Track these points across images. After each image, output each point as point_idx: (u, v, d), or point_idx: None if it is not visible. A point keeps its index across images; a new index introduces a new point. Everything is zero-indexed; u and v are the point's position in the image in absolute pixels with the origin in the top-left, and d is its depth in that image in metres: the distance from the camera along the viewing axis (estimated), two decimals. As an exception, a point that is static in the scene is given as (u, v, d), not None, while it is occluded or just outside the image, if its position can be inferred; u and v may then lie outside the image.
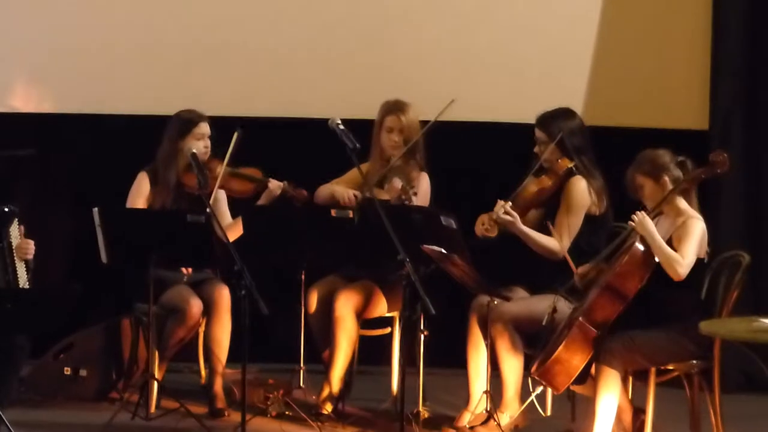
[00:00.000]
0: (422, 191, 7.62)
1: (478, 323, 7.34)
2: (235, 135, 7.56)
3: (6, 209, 6.87)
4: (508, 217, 7.26)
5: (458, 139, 8.34)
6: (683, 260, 6.66)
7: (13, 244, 6.87)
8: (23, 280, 6.83)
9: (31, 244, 6.91)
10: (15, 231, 6.91)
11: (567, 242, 7.34)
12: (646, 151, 6.91)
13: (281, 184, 7.68)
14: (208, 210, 7.16)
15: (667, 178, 6.82)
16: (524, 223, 7.34)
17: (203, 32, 8.62)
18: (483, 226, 7.33)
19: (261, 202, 7.68)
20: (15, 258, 6.86)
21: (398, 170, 7.68)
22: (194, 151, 7.60)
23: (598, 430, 6.75)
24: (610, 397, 6.75)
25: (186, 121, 7.76)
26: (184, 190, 7.71)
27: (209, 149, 7.72)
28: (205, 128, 7.74)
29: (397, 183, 7.57)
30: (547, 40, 8.63)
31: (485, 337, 7.30)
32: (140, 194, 7.73)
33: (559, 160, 7.43)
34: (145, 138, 7.84)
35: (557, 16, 8.67)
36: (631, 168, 6.89)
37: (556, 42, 8.66)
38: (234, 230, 7.51)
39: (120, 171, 7.83)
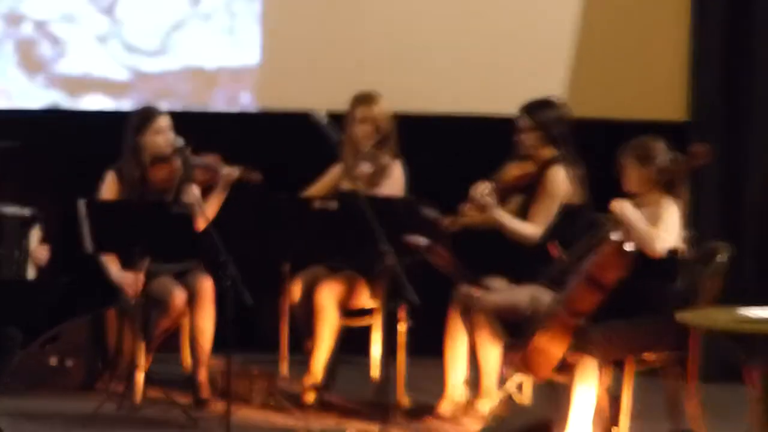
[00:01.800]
0: (395, 179, 7.67)
1: (460, 313, 7.35)
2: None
3: (27, 214, 6.94)
4: (487, 200, 7.28)
5: (440, 131, 8.41)
6: (660, 236, 6.69)
7: (30, 247, 6.94)
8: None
9: (46, 251, 6.99)
10: (34, 236, 6.98)
11: (542, 229, 7.36)
12: (646, 137, 6.93)
13: (235, 169, 7.63)
14: (194, 201, 7.19)
15: (651, 170, 6.84)
16: (502, 209, 7.36)
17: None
18: (468, 209, 7.35)
19: (220, 188, 7.62)
20: (28, 262, 6.93)
21: (368, 157, 7.69)
22: (182, 142, 7.56)
23: (575, 418, 6.76)
24: (588, 385, 6.74)
25: (143, 117, 7.74)
26: (149, 184, 7.69)
27: (170, 142, 7.65)
28: (163, 122, 7.70)
29: (366, 168, 7.64)
30: (528, 34, 8.65)
31: (466, 327, 7.31)
32: (109, 191, 7.70)
33: (541, 149, 7.46)
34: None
35: (538, 10, 8.69)
36: (623, 148, 6.91)
37: (538, 35, 8.67)
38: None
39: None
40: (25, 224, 6.97)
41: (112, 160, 7.73)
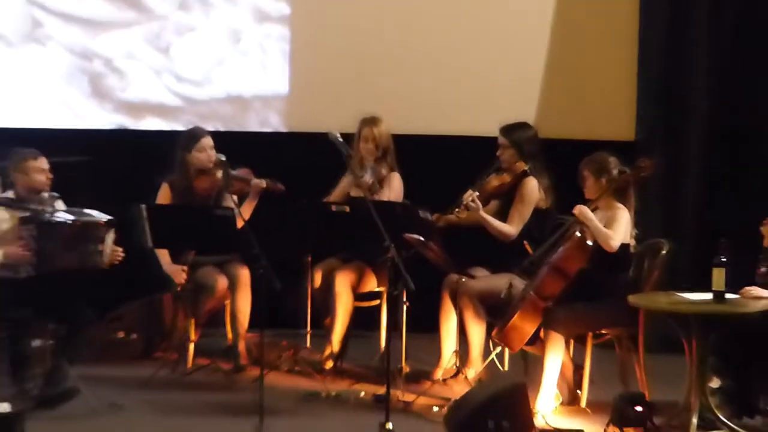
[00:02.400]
0: (394, 187, 7.65)
1: (450, 297, 7.38)
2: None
3: (106, 219, 6.91)
4: (473, 204, 7.30)
5: (431, 147, 8.39)
6: (614, 236, 6.74)
7: (107, 248, 6.91)
8: None
9: (119, 252, 6.97)
10: (110, 238, 6.94)
11: (518, 228, 7.37)
12: (601, 153, 6.95)
13: (263, 180, 7.60)
14: (233, 206, 7.12)
15: (605, 180, 6.88)
16: (485, 212, 7.39)
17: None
18: (459, 211, 7.36)
19: (251, 196, 7.59)
20: (104, 258, 6.90)
21: (370, 169, 7.68)
22: (223, 157, 7.53)
23: (545, 383, 6.79)
24: (555, 356, 6.80)
25: (190, 137, 7.72)
26: (195, 193, 7.65)
27: (212, 159, 7.61)
28: (206, 141, 7.66)
29: (368, 178, 7.63)
30: (505, 70, 8.61)
31: (455, 308, 7.33)
32: (163, 198, 7.68)
33: (516, 163, 7.47)
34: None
35: (513, 53, 8.65)
36: (583, 161, 6.94)
37: (513, 71, 8.63)
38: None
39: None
40: (104, 228, 6.93)
41: (166, 172, 7.72)
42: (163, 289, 7.75)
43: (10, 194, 6.96)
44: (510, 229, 7.38)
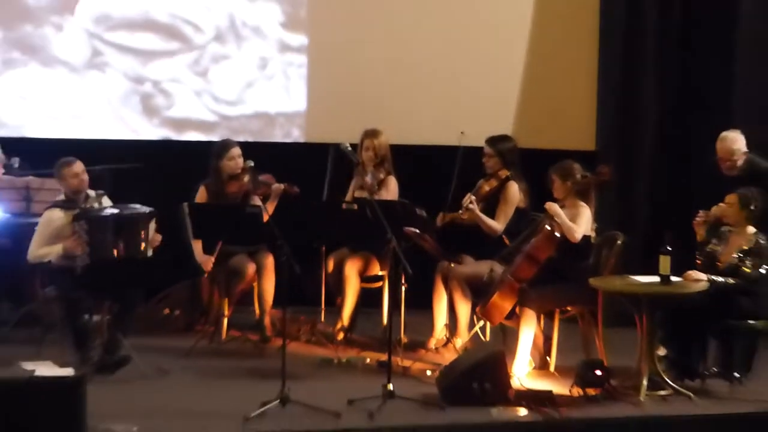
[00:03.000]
0: (391, 189, 7.60)
1: (441, 280, 7.38)
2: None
3: (147, 211, 6.90)
4: (472, 206, 7.30)
5: (423, 156, 8.32)
6: (578, 229, 6.77)
7: (149, 235, 6.91)
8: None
9: (159, 237, 6.95)
10: (152, 227, 6.95)
11: (504, 225, 7.37)
12: (567, 160, 6.96)
13: (281, 185, 7.57)
14: (260, 205, 7.11)
15: (570, 183, 6.89)
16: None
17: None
18: (462, 212, 7.37)
19: (272, 198, 7.53)
20: (148, 245, 6.88)
21: (370, 173, 7.64)
22: (251, 163, 7.50)
23: (520, 351, 6.81)
24: (529, 328, 6.82)
25: (221, 148, 7.67)
26: (226, 194, 7.59)
27: (240, 166, 7.57)
28: (235, 151, 7.60)
29: (369, 180, 7.60)
30: (487, 93, 8.52)
31: (446, 289, 7.33)
32: (201, 198, 7.63)
33: (500, 170, 7.48)
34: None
35: (494, 74, 8.59)
36: (552, 168, 6.94)
37: (493, 90, 8.55)
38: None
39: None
40: (146, 218, 6.93)
41: (203, 177, 7.70)
42: (195, 275, 7.71)
43: (62, 197, 6.97)
44: (498, 225, 7.38)
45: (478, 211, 7.33)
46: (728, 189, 6.83)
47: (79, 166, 6.95)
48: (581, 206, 6.89)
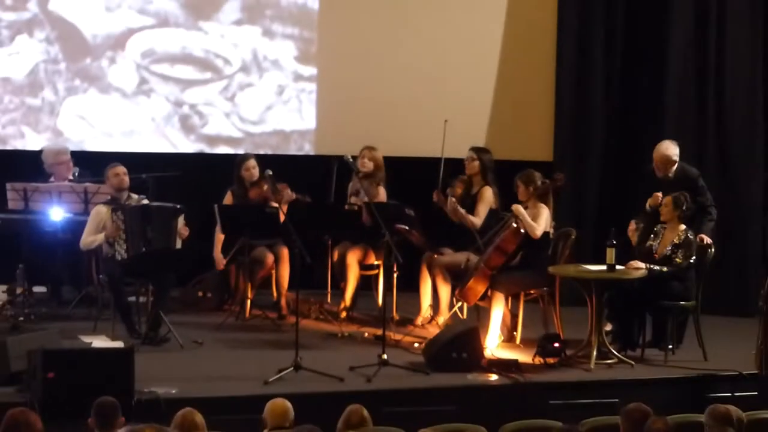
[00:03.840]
0: (381, 196, 7.46)
1: (426, 267, 7.27)
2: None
3: (178, 207, 6.83)
4: (455, 205, 7.16)
5: (412, 166, 8.02)
6: (538, 227, 6.67)
7: (178, 227, 6.82)
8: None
9: (187, 230, 6.86)
10: (180, 221, 6.86)
11: (482, 220, 7.22)
12: (530, 169, 6.88)
13: (293, 193, 7.42)
14: (277, 206, 7.02)
15: (532, 188, 6.79)
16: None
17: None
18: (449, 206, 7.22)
19: (283, 203, 7.31)
20: (177, 237, 6.80)
21: (365, 183, 7.47)
22: (270, 172, 7.33)
23: (492, 327, 6.73)
24: (498, 308, 6.74)
25: (240, 160, 7.58)
26: (248, 198, 7.49)
27: (254, 175, 7.45)
28: (251, 163, 7.50)
29: (365, 187, 7.41)
30: (465, 110, 8.31)
31: (430, 275, 7.24)
32: (228, 201, 7.50)
33: (479, 175, 7.33)
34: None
35: (470, 94, 8.41)
36: (517, 175, 6.85)
37: (469, 109, 8.37)
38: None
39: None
40: (175, 213, 6.84)
41: (231, 183, 7.60)
42: (211, 269, 7.58)
43: (108, 197, 6.99)
44: (478, 221, 7.24)
45: (462, 211, 7.21)
46: (663, 192, 6.79)
47: (120, 169, 6.96)
48: (541, 207, 6.81)
